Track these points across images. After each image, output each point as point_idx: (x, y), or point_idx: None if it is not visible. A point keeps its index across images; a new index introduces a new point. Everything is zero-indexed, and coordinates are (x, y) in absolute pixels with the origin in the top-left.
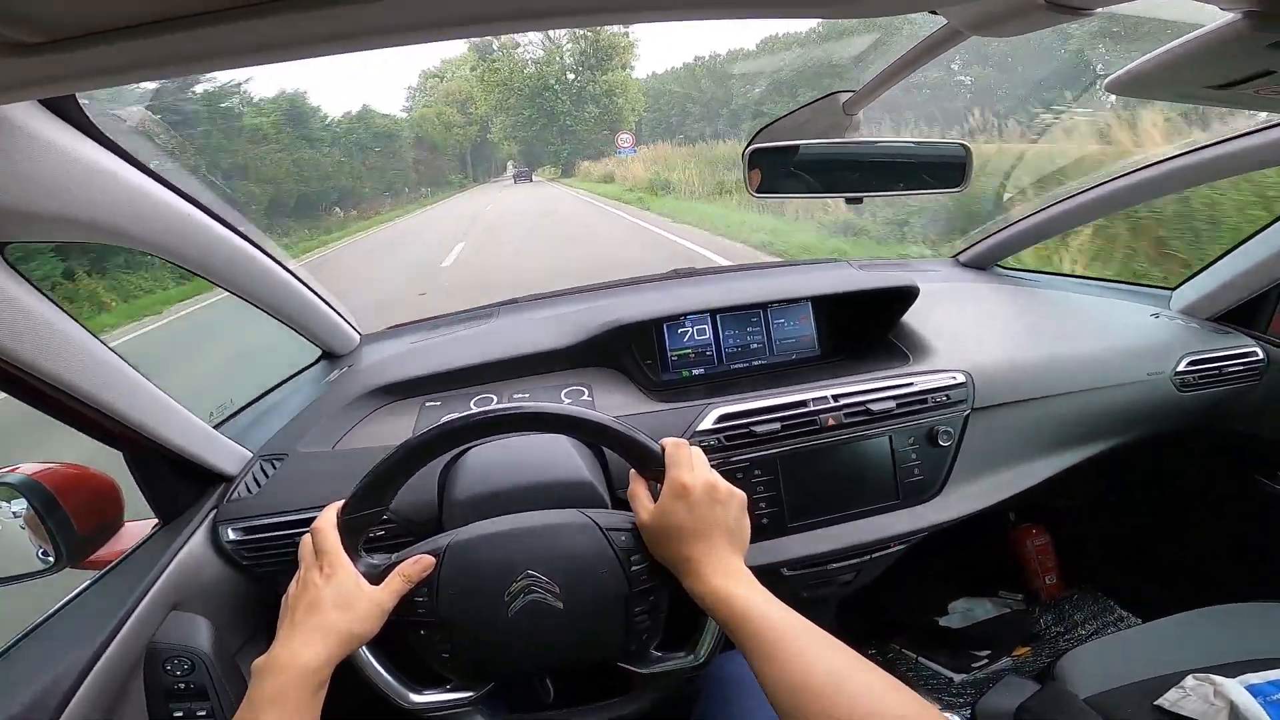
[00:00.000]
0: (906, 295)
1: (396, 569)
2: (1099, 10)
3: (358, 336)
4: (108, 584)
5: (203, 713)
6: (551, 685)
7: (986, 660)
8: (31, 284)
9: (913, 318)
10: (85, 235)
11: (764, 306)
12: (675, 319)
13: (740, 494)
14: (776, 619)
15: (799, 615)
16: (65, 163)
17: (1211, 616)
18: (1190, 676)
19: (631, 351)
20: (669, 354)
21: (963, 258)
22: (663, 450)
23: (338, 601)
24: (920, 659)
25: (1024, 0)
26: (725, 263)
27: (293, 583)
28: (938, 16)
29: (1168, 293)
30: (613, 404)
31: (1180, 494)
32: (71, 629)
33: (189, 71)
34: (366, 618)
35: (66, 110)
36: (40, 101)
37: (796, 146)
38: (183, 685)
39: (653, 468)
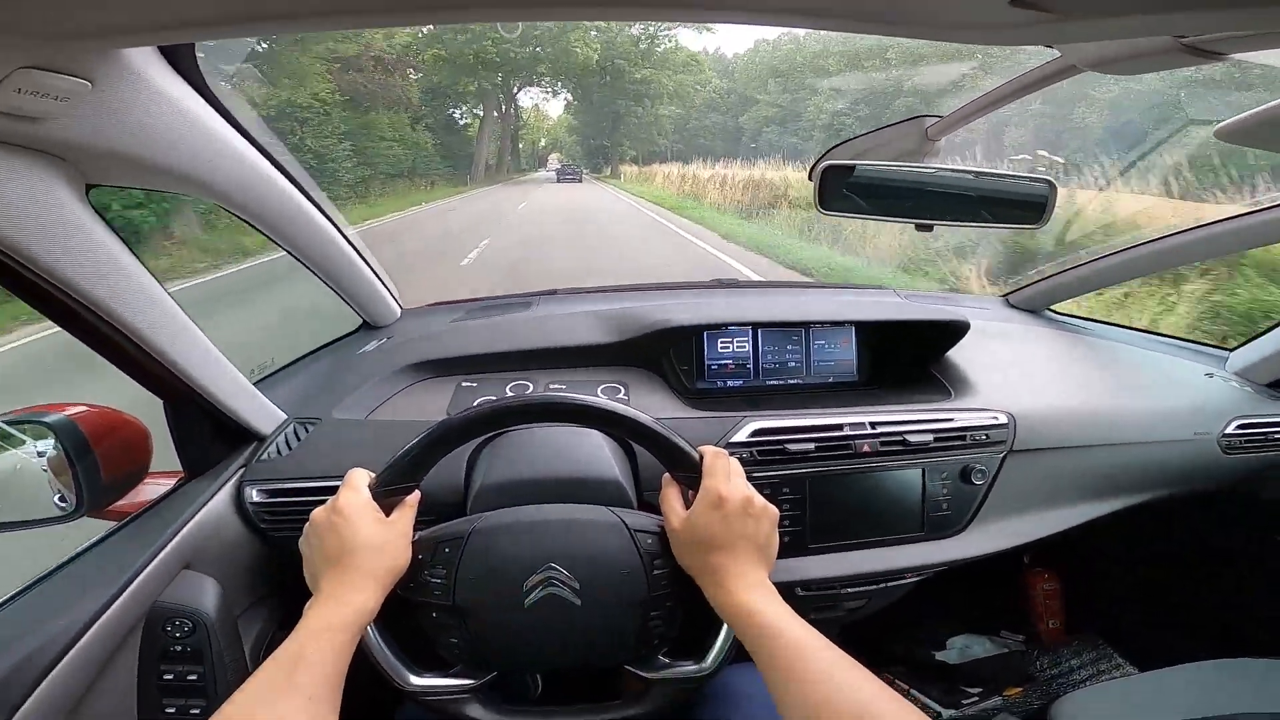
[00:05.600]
0: (957, 330)
1: (402, 502)
2: (1233, 55)
3: (399, 309)
4: (126, 535)
5: (194, 677)
6: (540, 680)
7: (977, 698)
8: (113, 229)
9: (957, 353)
10: (172, 186)
11: (806, 326)
12: (718, 328)
13: (774, 510)
14: (801, 637)
15: (823, 636)
16: (173, 114)
17: (1208, 670)
18: None
19: (670, 356)
20: (707, 362)
21: (1013, 298)
22: (700, 458)
23: (371, 545)
24: (912, 691)
25: (1158, 42)
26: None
27: (307, 542)
28: (1051, 49)
29: (1225, 353)
30: (648, 406)
31: (1200, 551)
32: (82, 580)
33: (331, 26)
34: (401, 551)
35: (182, 62)
36: (160, 50)
37: (871, 167)
38: (179, 648)
39: (689, 474)
